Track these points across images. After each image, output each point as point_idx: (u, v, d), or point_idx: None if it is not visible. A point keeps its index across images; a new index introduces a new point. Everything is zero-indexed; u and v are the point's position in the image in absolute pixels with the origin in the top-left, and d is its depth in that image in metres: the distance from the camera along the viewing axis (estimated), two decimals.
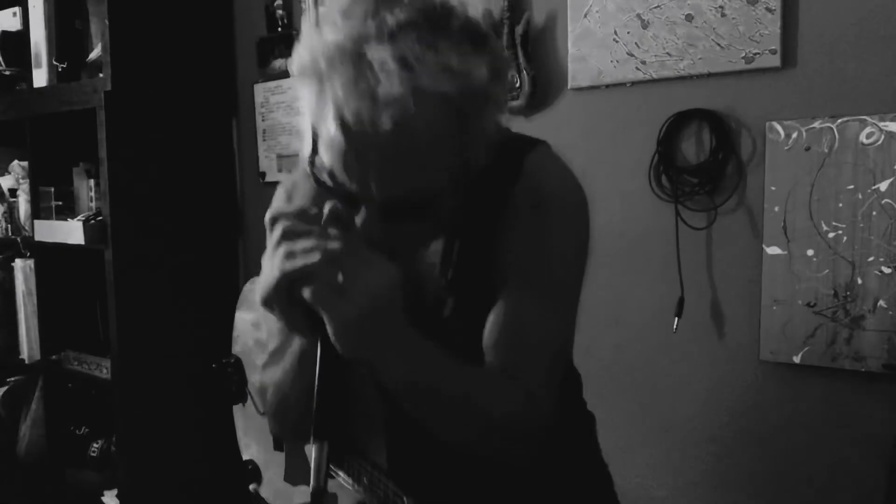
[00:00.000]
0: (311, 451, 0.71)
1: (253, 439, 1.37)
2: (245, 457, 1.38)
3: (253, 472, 1.32)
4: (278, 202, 0.98)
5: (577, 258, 0.93)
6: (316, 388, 0.73)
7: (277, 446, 1.26)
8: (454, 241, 0.92)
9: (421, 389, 0.81)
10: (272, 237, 0.74)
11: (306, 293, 0.71)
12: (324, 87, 0.72)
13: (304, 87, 0.75)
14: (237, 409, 1.42)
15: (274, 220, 0.75)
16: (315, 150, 0.77)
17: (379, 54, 0.69)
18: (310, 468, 0.71)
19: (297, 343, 0.87)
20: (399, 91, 0.68)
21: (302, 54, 0.75)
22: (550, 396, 0.88)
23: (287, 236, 0.73)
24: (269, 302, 0.73)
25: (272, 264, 0.73)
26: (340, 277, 0.70)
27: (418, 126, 0.70)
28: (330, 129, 0.72)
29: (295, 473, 1.21)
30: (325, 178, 0.76)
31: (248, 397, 1.38)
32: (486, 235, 0.91)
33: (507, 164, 0.91)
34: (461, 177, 0.78)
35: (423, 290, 0.94)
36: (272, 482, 1.28)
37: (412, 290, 0.84)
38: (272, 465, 1.28)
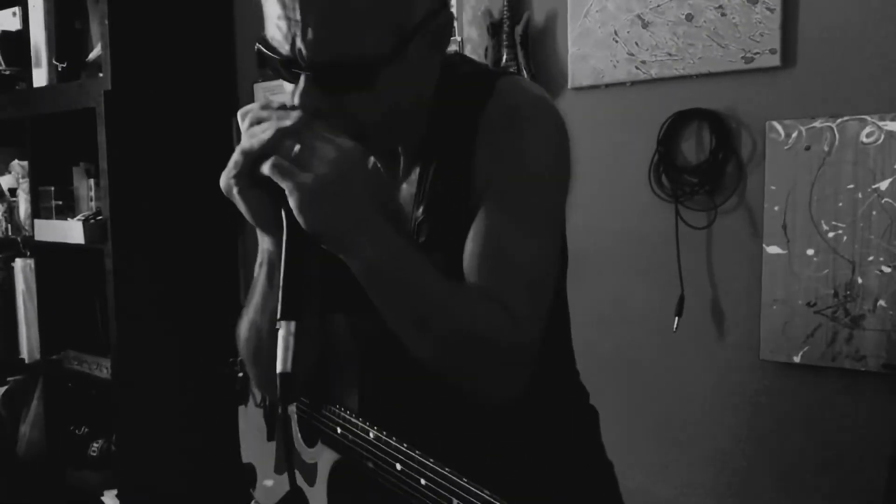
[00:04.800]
0: (280, 332, 0.71)
1: (250, 438, 1.37)
2: (244, 459, 1.38)
3: (250, 474, 1.32)
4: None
5: (556, 178, 0.89)
6: (282, 268, 0.73)
7: (270, 436, 1.26)
8: (429, 169, 0.90)
9: (390, 280, 0.79)
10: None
11: (266, 168, 0.73)
12: None
13: None
14: (240, 411, 1.42)
15: (244, 116, 0.78)
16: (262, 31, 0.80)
17: None
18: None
19: (263, 269, 0.85)
20: None
21: None
22: (535, 322, 0.84)
23: (251, 123, 0.76)
24: (229, 186, 0.75)
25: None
26: (297, 148, 0.72)
27: None
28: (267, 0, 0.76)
29: (282, 462, 1.21)
30: (266, 52, 0.79)
31: (250, 395, 1.38)
32: (460, 158, 0.88)
33: (479, 86, 0.89)
34: (400, 47, 0.79)
35: (401, 226, 0.91)
36: (264, 479, 1.28)
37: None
38: (266, 462, 1.28)
